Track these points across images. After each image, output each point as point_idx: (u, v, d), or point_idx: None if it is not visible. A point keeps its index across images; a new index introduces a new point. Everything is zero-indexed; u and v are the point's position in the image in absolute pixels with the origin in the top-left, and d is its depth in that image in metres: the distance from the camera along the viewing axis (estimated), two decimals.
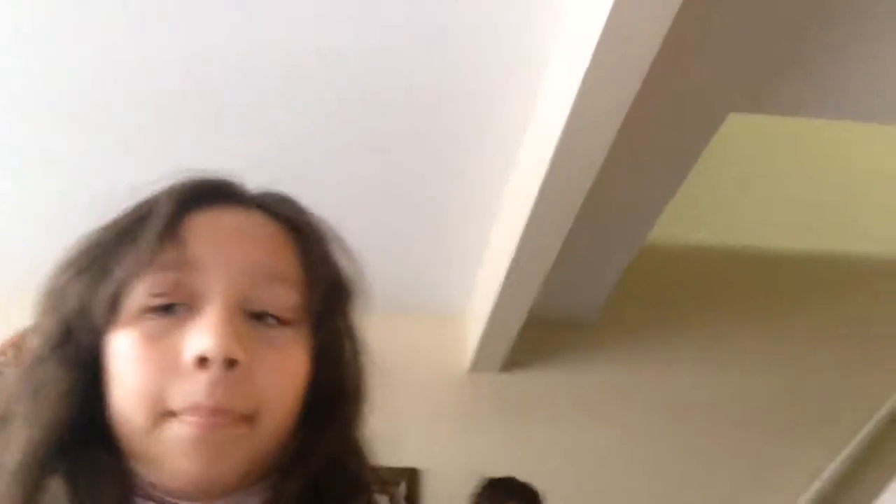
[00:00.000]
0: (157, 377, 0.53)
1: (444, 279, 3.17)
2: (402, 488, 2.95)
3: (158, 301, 0.55)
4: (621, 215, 2.68)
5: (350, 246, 0.65)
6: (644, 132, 2.18)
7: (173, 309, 0.55)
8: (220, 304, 0.54)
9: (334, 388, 0.61)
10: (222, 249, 0.57)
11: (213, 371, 0.52)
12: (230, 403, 0.53)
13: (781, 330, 3.52)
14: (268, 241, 0.59)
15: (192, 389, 0.52)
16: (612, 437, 3.17)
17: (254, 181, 0.65)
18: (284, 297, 0.57)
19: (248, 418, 0.54)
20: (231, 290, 0.55)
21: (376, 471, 0.65)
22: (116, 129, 2.37)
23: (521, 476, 3.01)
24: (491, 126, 2.33)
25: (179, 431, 0.52)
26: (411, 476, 2.98)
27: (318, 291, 0.60)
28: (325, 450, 0.59)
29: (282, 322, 0.57)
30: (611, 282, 3.13)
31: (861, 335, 3.54)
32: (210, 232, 0.58)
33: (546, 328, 3.35)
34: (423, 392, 3.20)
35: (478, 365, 3.20)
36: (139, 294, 0.55)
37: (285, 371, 0.56)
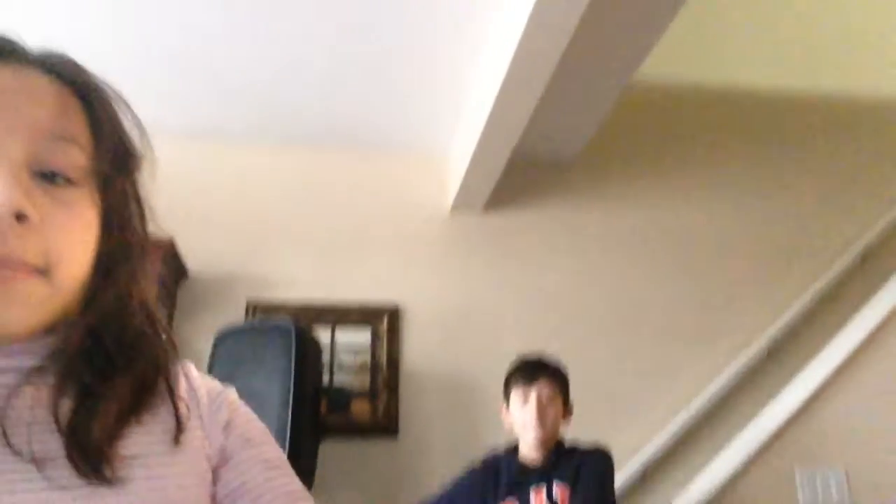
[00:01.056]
0: None
1: (427, 119, 3.11)
2: (384, 322, 3.06)
3: None
4: (608, 54, 2.59)
5: (131, 109, 0.66)
6: None
7: None
8: (6, 162, 0.55)
9: (121, 247, 0.63)
10: (7, 108, 0.57)
11: (2, 224, 0.53)
12: (20, 255, 0.54)
13: (764, 165, 3.54)
14: (54, 101, 0.59)
15: None
16: (591, 274, 3.26)
17: None
18: (73, 158, 0.59)
19: (41, 272, 0.55)
20: (17, 148, 0.56)
21: (164, 333, 0.67)
22: None
23: (501, 313, 3.13)
24: None
25: None
26: (392, 312, 3.08)
27: (106, 153, 0.61)
28: (106, 304, 0.61)
29: (70, 182, 0.58)
30: (595, 121, 3.09)
31: (844, 173, 3.58)
32: None
33: (529, 168, 3.35)
34: (406, 231, 3.24)
35: (460, 205, 3.22)
36: None
37: (74, 228, 0.58)
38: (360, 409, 2.97)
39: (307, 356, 2.57)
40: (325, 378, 2.95)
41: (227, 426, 0.68)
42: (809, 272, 3.34)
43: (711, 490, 2.13)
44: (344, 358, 3.03)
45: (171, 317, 2.97)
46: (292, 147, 3.27)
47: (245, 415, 0.72)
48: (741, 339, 3.20)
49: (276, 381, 2.49)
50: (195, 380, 0.70)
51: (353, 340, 3.05)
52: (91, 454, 0.56)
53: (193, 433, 0.65)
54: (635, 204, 3.42)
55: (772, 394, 2.53)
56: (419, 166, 3.34)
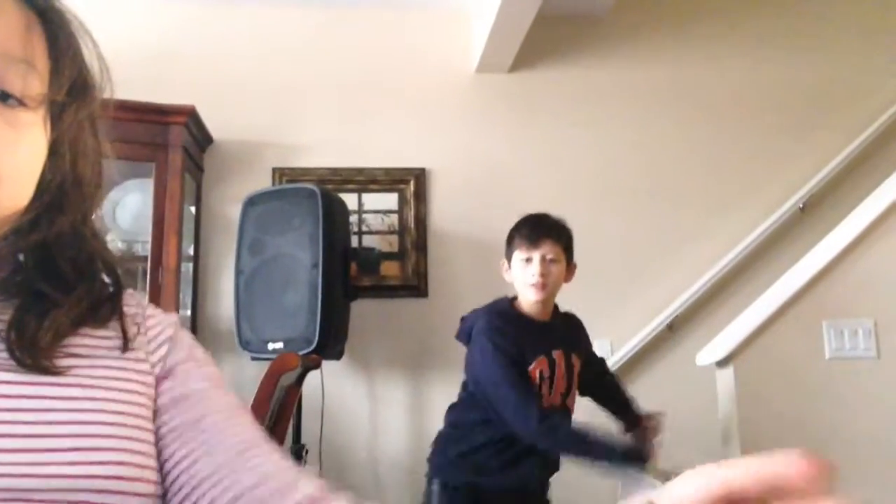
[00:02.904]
0: None
1: None
2: (411, 186, 3.05)
3: None
4: None
5: (95, 41, 0.65)
6: None
7: None
8: None
9: (73, 179, 0.64)
10: None
11: None
12: None
13: (802, 20, 3.35)
14: (17, 23, 0.58)
15: None
16: (620, 132, 3.18)
17: None
18: (29, 83, 0.58)
19: None
20: None
21: (115, 260, 0.69)
22: None
23: (527, 174, 3.10)
24: None
25: None
26: (419, 175, 3.06)
27: (63, 83, 0.61)
28: (57, 227, 0.63)
29: (23, 105, 0.58)
30: None
31: (890, 28, 3.38)
32: None
33: (556, 25, 3.20)
34: (431, 94, 3.16)
35: (485, 65, 3.11)
36: None
37: (20, 149, 0.58)
38: (389, 269, 3.01)
39: (334, 218, 2.59)
40: (354, 242, 2.99)
41: (172, 343, 0.70)
42: (850, 126, 3.22)
43: (735, 343, 2.16)
44: (371, 221, 3.05)
45: (198, 184, 2.98)
46: (314, 9, 3.15)
47: (189, 337, 0.73)
48: (776, 195, 3.14)
49: (306, 244, 2.52)
50: (143, 305, 0.71)
51: (380, 204, 3.05)
52: (32, 346, 0.58)
53: (139, 350, 0.66)
54: (669, 60, 3.27)
55: (805, 250, 2.51)
56: (442, 26, 3.21)
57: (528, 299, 1.84)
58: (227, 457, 0.62)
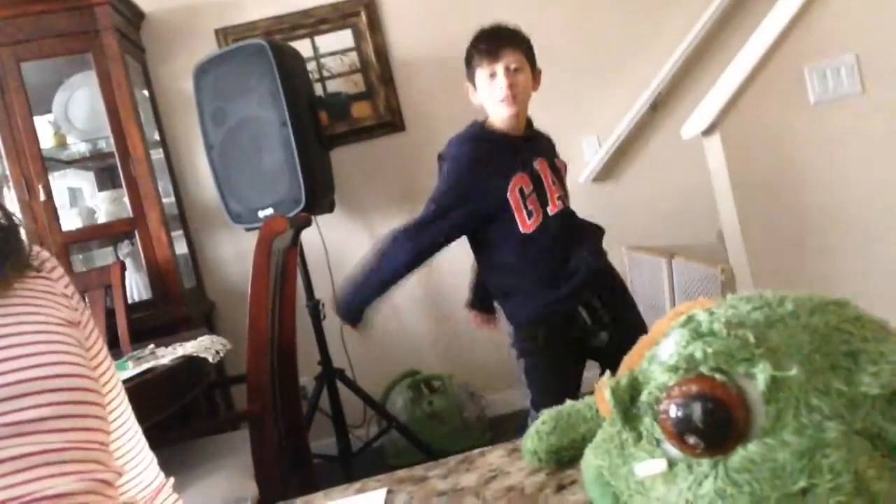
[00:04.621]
0: None
1: None
2: (363, 17, 2.89)
3: None
4: None
5: None
6: None
7: None
8: None
9: None
10: None
11: None
12: None
13: None
14: None
15: None
16: None
17: None
18: None
19: None
20: None
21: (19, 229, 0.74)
22: None
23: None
24: None
25: None
26: (368, 4, 2.89)
27: None
28: None
29: None
30: None
31: None
32: None
33: None
34: None
35: None
36: None
37: None
38: (361, 111, 2.93)
39: (291, 70, 2.48)
40: (319, 90, 2.88)
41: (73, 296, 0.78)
42: None
43: (717, 109, 2.11)
44: (331, 64, 2.92)
45: (143, 65, 2.84)
46: None
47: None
48: None
49: (268, 103, 2.43)
50: (48, 261, 0.77)
51: (335, 44, 2.91)
52: None
53: (52, 305, 0.73)
54: None
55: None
56: None
57: (501, 115, 1.77)
58: None
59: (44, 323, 0.69)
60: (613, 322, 1.77)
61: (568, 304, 1.76)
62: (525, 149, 1.79)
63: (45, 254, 0.78)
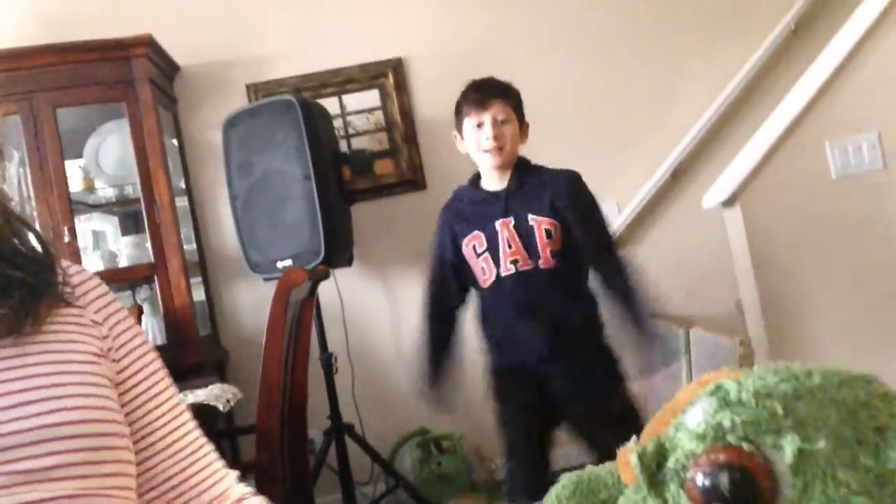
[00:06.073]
0: None
1: None
2: (390, 78, 2.95)
3: None
4: None
5: None
6: None
7: None
8: None
9: None
10: None
11: None
12: None
13: None
14: None
15: None
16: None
17: None
18: None
19: None
20: None
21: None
22: None
23: (506, 50, 2.98)
24: None
25: None
26: (396, 66, 2.96)
27: None
28: None
29: None
30: None
31: None
32: None
33: None
34: None
35: None
36: None
37: None
38: (384, 168, 2.97)
39: (317, 126, 2.53)
40: (343, 146, 2.93)
41: (98, 300, 0.76)
42: None
43: (739, 181, 2.12)
44: (357, 122, 2.98)
45: (175, 116, 2.91)
46: None
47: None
48: (766, 21, 3.02)
49: (293, 157, 2.48)
50: (78, 282, 0.75)
51: (362, 103, 2.97)
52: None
53: (80, 340, 0.71)
54: None
55: (801, 74, 2.43)
56: None
57: (486, 165, 1.79)
58: None
59: (68, 362, 0.67)
60: (577, 396, 1.74)
61: (515, 373, 1.79)
62: (493, 204, 1.77)
63: (74, 268, 0.76)
